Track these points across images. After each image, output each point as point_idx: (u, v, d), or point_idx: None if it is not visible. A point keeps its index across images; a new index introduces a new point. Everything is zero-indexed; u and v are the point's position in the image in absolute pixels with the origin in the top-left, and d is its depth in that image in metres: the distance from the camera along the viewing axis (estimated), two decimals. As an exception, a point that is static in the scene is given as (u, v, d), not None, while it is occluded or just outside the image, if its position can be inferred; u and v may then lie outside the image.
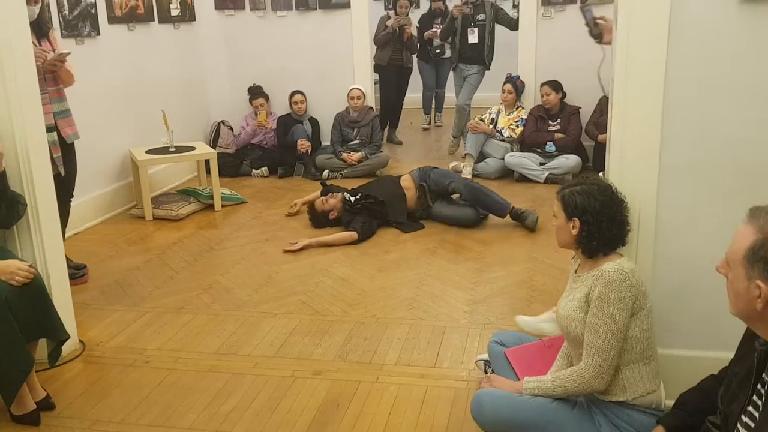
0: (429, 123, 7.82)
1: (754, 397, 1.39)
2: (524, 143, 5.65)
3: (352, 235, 4.16)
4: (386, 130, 7.04)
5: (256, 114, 6.00)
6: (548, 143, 5.47)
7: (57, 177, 3.19)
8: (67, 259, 3.16)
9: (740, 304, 1.38)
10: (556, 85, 5.56)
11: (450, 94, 7.15)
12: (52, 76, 3.39)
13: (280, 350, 2.87)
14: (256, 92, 6.08)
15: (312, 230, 4.41)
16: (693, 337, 2.22)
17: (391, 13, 6.82)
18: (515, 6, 6.94)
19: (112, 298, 3.47)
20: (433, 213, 4.46)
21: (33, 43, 3.29)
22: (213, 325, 3.12)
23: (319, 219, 4.46)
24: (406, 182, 4.52)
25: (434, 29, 6.93)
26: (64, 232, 3.43)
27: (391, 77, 6.89)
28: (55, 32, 3.74)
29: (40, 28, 3.40)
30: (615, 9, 2.12)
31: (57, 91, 3.43)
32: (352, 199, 4.42)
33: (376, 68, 6.93)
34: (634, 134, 2.11)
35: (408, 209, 4.46)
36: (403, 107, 7.26)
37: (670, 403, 1.87)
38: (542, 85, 5.62)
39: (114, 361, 2.83)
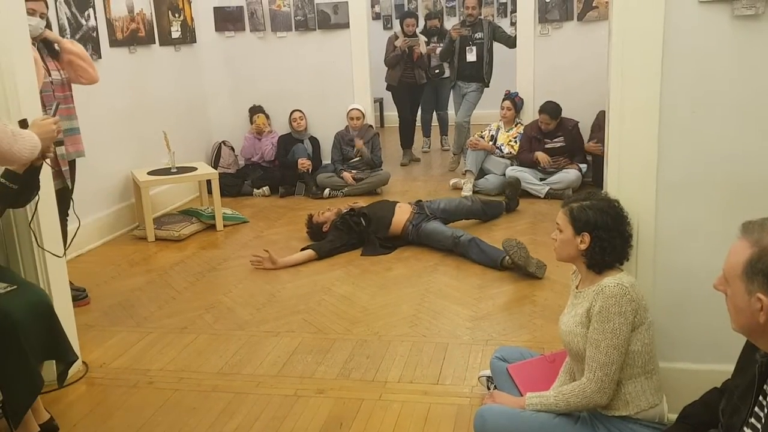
0: (429, 146, 7.56)
1: (756, 409, 1.39)
2: (523, 159, 5.68)
3: (311, 254, 4.19)
4: (406, 151, 6.97)
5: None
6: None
7: (62, 192, 3.22)
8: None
9: (742, 319, 1.38)
10: (554, 113, 5.45)
11: (450, 111, 7.17)
12: (63, 95, 3.45)
13: (282, 369, 2.87)
14: (256, 110, 6.15)
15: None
16: (695, 351, 2.23)
17: (399, 32, 6.85)
18: (513, 24, 6.99)
19: (115, 319, 3.48)
20: (423, 231, 4.31)
21: (45, 62, 3.35)
22: (216, 345, 3.12)
23: (314, 231, 4.49)
24: (402, 208, 4.47)
25: (431, 47, 6.87)
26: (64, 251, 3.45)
27: (403, 96, 6.87)
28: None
29: (53, 49, 3.47)
30: (609, 27, 2.15)
31: (67, 109, 3.48)
32: (343, 210, 4.49)
33: (388, 88, 6.96)
34: (632, 151, 2.14)
35: (394, 234, 4.36)
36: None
37: (673, 416, 1.86)
38: (540, 113, 5.54)
39: (117, 382, 2.83)
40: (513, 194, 5.10)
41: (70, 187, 3.50)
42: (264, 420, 2.50)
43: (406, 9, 9.15)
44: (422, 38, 6.81)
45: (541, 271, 3.74)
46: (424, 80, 6.87)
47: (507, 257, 3.80)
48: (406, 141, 7.05)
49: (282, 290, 3.76)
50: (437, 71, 6.91)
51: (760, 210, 1.86)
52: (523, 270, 3.73)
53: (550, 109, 5.47)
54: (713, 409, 1.64)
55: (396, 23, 8.67)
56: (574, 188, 5.38)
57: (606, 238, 1.94)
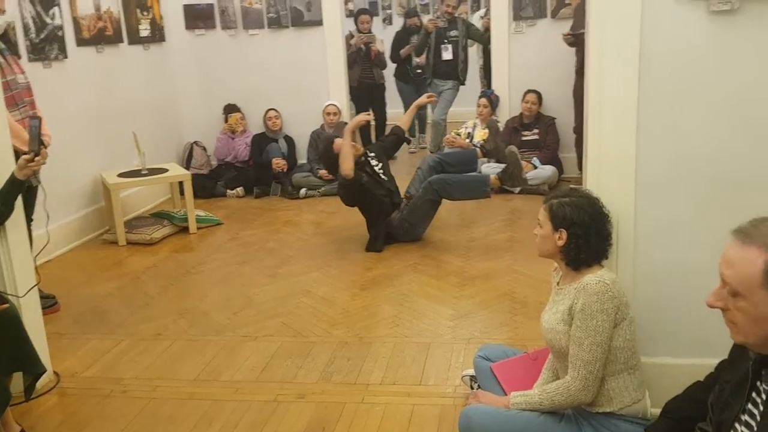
0: (416, 147, 7.44)
1: (750, 406, 1.38)
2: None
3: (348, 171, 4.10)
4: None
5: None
6: (533, 158, 5.54)
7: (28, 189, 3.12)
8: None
9: (760, 330, 1.29)
10: (540, 95, 5.71)
11: (427, 109, 7.14)
12: (30, 99, 3.36)
13: (261, 374, 2.82)
14: (231, 109, 6.06)
15: (305, 258, 4.37)
16: (676, 345, 2.24)
17: (354, 30, 6.74)
18: (482, 17, 6.94)
19: (86, 326, 3.38)
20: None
21: (8, 62, 3.22)
22: (191, 351, 3.05)
23: (328, 155, 4.36)
24: None
25: (411, 45, 6.77)
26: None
27: (364, 98, 6.75)
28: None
29: (15, 45, 3.38)
30: (587, 24, 2.15)
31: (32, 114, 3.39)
32: (372, 162, 4.41)
33: (350, 90, 6.90)
34: (610, 148, 2.14)
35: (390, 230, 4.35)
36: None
37: (656, 411, 1.87)
38: (529, 92, 5.70)
39: (90, 392, 2.74)
40: (513, 167, 4.47)
41: (31, 193, 3.40)
42: (243, 427, 2.45)
43: (379, 6, 9.08)
44: (378, 36, 6.69)
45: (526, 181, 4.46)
46: (383, 80, 6.76)
47: (493, 176, 4.31)
48: (366, 142, 6.99)
49: (259, 293, 3.70)
50: (419, 71, 6.83)
51: (738, 205, 1.87)
52: (517, 177, 4.19)
53: (534, 90, 5.66)
54: (697, 403, 1.64)
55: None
56: (549, 184, 5.40)
57: (582, 235, 1.93)
